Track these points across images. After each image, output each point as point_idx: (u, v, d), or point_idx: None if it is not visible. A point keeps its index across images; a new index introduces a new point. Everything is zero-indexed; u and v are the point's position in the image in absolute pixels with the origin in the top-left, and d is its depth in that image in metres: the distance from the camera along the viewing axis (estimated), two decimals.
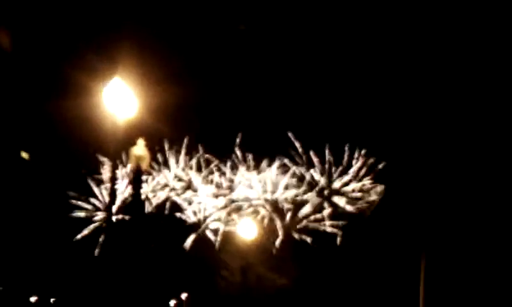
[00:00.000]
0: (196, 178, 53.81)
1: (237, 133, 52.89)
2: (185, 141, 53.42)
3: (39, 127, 50.46)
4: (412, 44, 48.63)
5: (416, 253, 45.88)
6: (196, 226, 53.81)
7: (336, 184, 53.79)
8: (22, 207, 51.84)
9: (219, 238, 52.98)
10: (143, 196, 51.68)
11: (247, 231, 47.71)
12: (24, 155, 51.83)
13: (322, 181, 53.73)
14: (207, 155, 53.89)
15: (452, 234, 46.93)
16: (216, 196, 54.05)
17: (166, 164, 53.84)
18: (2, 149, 50.93)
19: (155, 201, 53.39)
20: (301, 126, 52.53)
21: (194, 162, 54.06)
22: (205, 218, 53.92)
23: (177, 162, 53.83)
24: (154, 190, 53.41)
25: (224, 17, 50.31)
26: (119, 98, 20.78)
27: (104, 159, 51.67)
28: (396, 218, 49.84)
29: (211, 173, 54.15)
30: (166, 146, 53.40)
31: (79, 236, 52.05)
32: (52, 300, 56.43)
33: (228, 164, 54.07)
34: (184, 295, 62.95)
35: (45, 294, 54.95)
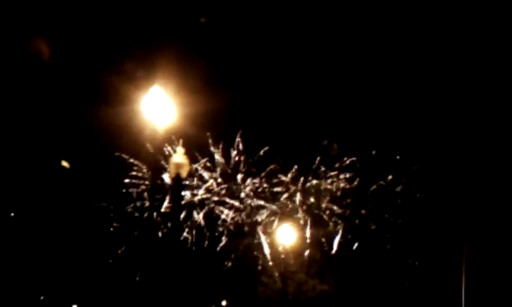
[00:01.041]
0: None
1: (276, 139, 52.89)
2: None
3: (79, 136, 50.93)
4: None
5: (458, 254, 45.60)
6: (235, 230, 53.86)
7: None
8: (62, 216, 52.35)
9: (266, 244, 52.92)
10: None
11: (286, 237, 47.75)
12: (65, 163, 52.37)
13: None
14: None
15: (493, 230, 46.67)
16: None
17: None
18: (43, 159, 51.53)
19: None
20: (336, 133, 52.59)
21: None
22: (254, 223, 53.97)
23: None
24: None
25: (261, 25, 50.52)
26: (158, 107, 20.95)
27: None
28: (435, 218, 49.61)
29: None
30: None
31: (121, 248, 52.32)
32: None
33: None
34: (223, 302, 63.03)
35: (85, 303, 55.39)
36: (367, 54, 50.69)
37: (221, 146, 52.45)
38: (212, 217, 53.88)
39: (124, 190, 52.10)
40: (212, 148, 52.59)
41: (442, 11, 47.52)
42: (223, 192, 53.41)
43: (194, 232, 52.58)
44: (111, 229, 52.15)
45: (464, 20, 46.97)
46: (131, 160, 51.25)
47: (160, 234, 49.50)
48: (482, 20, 46.36)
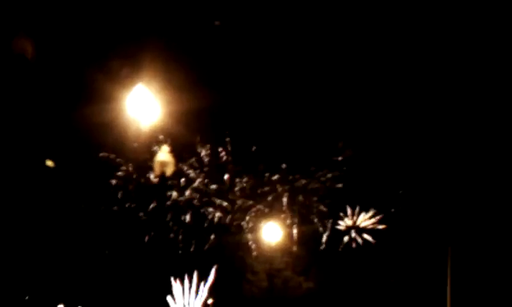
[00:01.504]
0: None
1: (257, 138, 52.98)
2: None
3: (63, 134, 50.74)
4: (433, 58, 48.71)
5: (442, 253, 45.76)
6: (222, 229, 53.90)
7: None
8: (47, 215, 52.15)
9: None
10: None
11: (272, 235, 47.81)
12: (49, 163, 52.15)
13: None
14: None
15: (476, 232, 46.87)
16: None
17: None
18: (27, 158, 51.30)
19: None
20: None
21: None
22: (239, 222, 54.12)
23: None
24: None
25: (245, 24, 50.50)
26: (143, 105, 20.93)
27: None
28: (420, 219, 49.82)
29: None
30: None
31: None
32: None
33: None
34: (209, 300, 62.97)
35: (71, 303, 55.18)
36: (358, 54, 50.80)
37: (208, 146, 52.53)
38: (199, 216, 53.94)
39: (111, 191, 52.09)
40: (199, 148, 52.66)
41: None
42: (211, 191, 53.54)
43: (180, 232, 52.60)
44: (96, 228, 52.10)
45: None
46: (117, 160, 51.21)
47: (146, 233, 49.50)
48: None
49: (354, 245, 53.24)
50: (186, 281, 51.25)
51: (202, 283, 52.05)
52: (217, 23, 49.47)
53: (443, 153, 49.39)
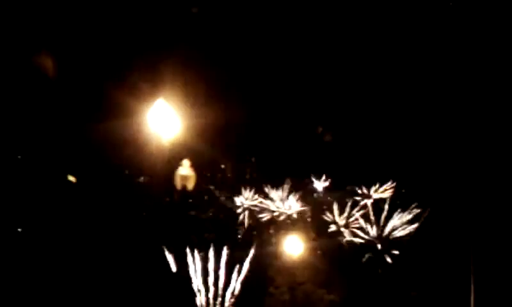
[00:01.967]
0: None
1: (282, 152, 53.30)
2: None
3: (85, 150, 50.96)
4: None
5: (465, 264, 45.43)
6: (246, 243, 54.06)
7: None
8: (70, 231, 52.33)
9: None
10: None
11: (294, 248, 47.70)
12: (71, 178, 52.37)
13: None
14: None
15: (500, 237, 46.53)
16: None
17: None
18: (50, 173, 51.55)
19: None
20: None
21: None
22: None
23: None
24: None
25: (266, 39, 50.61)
26: (163, 119, 20.92)
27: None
28: (442, 230, 49.60)
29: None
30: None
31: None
32: None
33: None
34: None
35: None
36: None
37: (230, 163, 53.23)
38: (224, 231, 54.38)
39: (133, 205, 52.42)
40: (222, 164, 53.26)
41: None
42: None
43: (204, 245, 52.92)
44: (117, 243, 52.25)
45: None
46: (140, 179, 51.64)
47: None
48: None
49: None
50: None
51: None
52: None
53: (463, 158, 49.20)
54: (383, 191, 54.38)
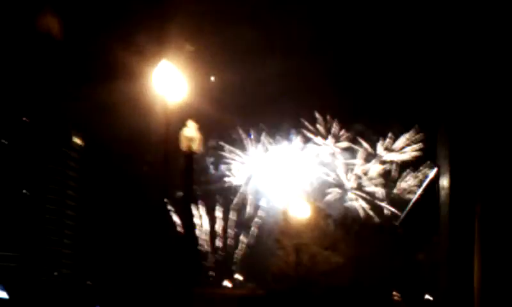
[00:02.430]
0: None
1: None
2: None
3: (89, 111, 50.85)
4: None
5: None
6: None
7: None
8: (77, 193, 52.38)
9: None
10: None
11: (300, 210, 47.67)
12: (77, 140, 52.31)
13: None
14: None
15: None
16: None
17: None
18: (56, 135, 51.49)
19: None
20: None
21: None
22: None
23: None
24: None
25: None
26: (168, 81, 20.72)
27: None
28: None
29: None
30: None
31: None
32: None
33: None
34: (238, 276, 63.16)
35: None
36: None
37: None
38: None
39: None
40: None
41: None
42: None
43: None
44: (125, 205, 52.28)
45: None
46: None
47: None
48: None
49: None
50: None
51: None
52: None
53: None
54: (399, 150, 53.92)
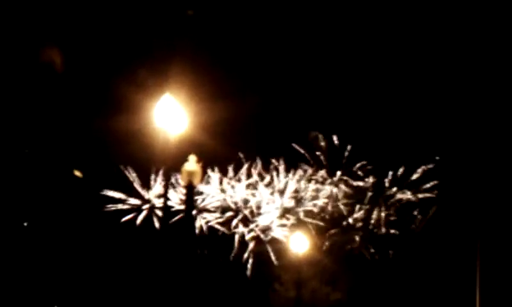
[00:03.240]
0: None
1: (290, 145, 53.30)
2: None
3: (91, 145, 50.96)
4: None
5: (471, 258, 45.24)
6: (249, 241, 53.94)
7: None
8: (76, 225, 52.35)
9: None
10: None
11: (299, 244, 47.51)
12: (77, 173, 52.35)
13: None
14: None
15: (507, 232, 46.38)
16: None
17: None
18: (56, 169, 51.55)
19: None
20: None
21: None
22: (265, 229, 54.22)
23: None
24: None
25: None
26: (170, 114, 20.83)
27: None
28: (448, 226, 49.49)
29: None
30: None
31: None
32: None
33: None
34: None
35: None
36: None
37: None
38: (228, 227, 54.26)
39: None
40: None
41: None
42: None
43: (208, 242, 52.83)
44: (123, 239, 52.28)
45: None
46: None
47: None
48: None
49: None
50: None
51: None
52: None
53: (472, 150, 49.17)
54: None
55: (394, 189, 53.93)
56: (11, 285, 49.01)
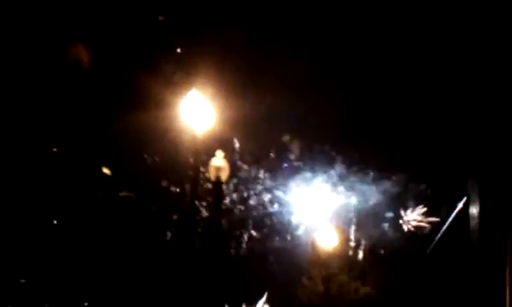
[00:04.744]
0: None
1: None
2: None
3: (117, 142, 51.05)
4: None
5: (502, 251, 44.71)
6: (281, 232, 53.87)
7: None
8: (105, 224, 52.52)
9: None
10: None
11: (328, 239, 47.48)
12: (106, 170, 52.54)
13: None
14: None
15: None
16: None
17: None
18: (84, 166, 51.77)
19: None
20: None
21: None
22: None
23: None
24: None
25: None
26: (197, 111, 20.80)
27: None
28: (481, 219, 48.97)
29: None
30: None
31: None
32: None
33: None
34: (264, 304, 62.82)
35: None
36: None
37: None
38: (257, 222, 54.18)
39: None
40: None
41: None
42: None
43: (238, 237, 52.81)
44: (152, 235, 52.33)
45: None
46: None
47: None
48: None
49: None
50: None
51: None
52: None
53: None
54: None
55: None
56: (41, 283, 49.35)
